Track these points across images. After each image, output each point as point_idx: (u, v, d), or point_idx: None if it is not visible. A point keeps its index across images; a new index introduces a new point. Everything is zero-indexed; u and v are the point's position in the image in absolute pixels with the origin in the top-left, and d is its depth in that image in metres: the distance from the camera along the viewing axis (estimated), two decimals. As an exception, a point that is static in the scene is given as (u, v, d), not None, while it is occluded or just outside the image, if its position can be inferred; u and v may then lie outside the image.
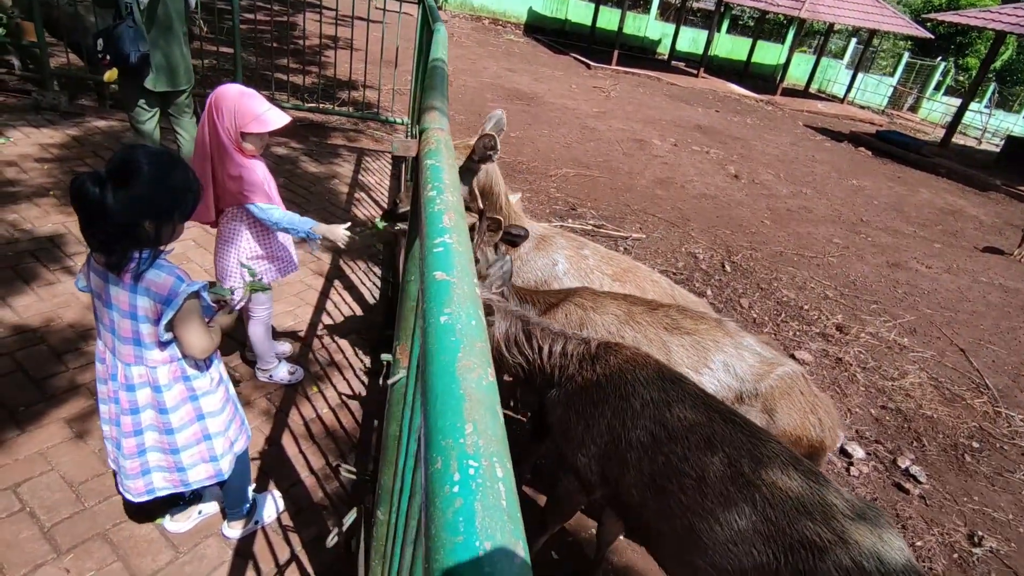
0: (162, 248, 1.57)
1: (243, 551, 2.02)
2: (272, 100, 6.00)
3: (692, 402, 1.64)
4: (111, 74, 3.40)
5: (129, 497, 1.82)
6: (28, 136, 4.40)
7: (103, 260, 1.52)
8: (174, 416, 1.70)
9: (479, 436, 0.38)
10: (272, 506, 2.14)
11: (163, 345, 1.63)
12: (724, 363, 1.95)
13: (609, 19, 18.69)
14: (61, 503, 2.04)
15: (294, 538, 2.10)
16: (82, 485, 2.11)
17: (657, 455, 1.59)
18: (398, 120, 5.96)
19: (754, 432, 1.55)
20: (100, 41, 3.27)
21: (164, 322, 1.54)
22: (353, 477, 1.44)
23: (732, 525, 1.44)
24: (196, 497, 2.07)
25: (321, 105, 6.23)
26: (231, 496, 1.99)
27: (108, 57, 3.29)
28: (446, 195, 0.75)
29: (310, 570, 2.00)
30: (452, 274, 0.58)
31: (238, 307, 1.82)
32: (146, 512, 2.05)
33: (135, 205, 1.43)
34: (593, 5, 18.33)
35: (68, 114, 4.88)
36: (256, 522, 2.08)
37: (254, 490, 2.14)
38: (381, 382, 2.95)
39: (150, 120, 3.78)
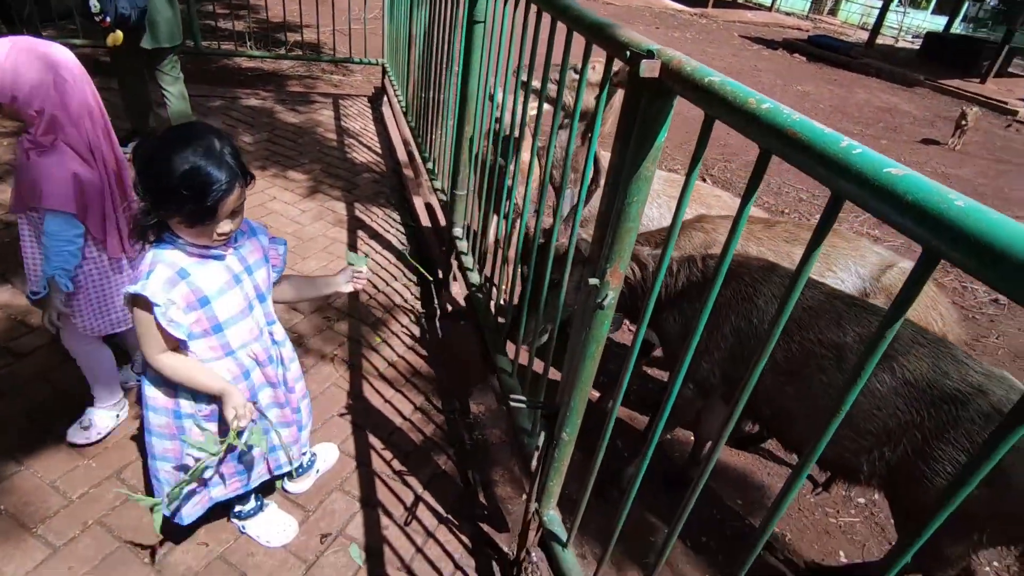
0: (174, 235, 1.35)
1: (368, 500, 2.05)
2: (216, 52, 5.58)
3: (812, 292, 1.76)
4: (116, 37, 3.09)
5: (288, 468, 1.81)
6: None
7: None
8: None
9: None
10: (332, 453, 2.15)
11: None
12: (847, 266, 2.08)
13: (534, -62, 17.91)
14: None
15: (413, 482, 2.15)
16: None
17: (790, 344, 1.71)
18: (374, 61, 5.65)
19: (877, 311, 1.70)
20: (95, 2, 2.96)
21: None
22: (523, 407, 1.49)
23: (875, 393, 1.60)
24: (313, 458, 2.07)
25: (302, 52, 5.83)
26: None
27: (108, 19, 2.99)
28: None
29: (439, 508, 2.07)
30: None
31: None
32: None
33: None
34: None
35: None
36: (317, 471, 2.08)
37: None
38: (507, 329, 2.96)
39: (179, 81, 3.67)
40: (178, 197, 1.25)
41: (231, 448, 1.52)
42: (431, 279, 2.55)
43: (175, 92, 3.62)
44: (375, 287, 3.11)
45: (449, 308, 2.98)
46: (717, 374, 1.96)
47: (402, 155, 4.35)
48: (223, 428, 1.54)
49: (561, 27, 1.50)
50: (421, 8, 3.46)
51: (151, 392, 1.50)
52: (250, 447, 1.60)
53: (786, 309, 0.82)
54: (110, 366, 2.07)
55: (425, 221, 3.52)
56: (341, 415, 2.36)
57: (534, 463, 1.51)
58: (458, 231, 2.81)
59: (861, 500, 2.73)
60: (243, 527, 1.85)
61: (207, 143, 1.28)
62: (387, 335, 2.81)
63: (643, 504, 2.38)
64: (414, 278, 3.27)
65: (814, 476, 2.73)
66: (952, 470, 1.54)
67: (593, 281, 1.20)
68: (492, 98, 2.33)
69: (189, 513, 1.62)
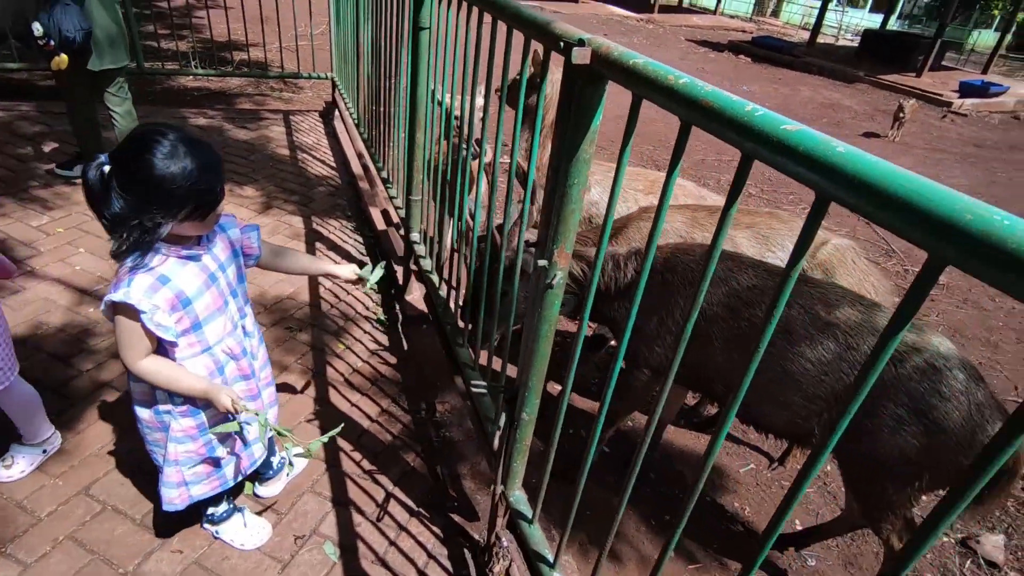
0: (156, 242, 1.33)
1: (340, 500, 2.07)
2: (160, 72, 5.51)
3: (753, 271, 1.86)
4: (61, 61, 3.05)
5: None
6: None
7: None
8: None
9: None
10: (301, 461, 2.16)
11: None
12: (784, 245, 2.21)
13: (481, -49, 18.16)
14: (142, 495, 1.99)
15: (383, 480, 2.17)
16: (155, 478, 2.06)
17: (739, 321, 1.80)
18: (323, 75, 5.66)
19: (816, 283, 1.81)
20: (37, 25, 2.93)
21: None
22: (484, 392, 1.54)
23: (821, 359, 1.70)
24: (283, 462, 2.08)
25: (249, 70, 5.80)
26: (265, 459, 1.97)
27: (52, 42, 2.96)
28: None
29: (410, 503, 2.10)
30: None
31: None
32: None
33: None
34: (463, -63, 17.73)
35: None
36: (287, 474, 2.09)
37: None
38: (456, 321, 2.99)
39: (127, 101, 3.64)
40: (197, 191, 1.30)
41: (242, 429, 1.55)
42: (391, 290, 2.72)
43: (122, 112, 3.59)
44: (336, 296, 3.12)
45: (411, 312, 3.02)
46: (671, 356, 2.04)
47: (357, 168, 4.37)
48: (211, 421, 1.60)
49: (502, 26, 1.57)
50: (367, 20, 3.51)
51: (134, 388, 1.55)
52: (255, 420, 1.56)
53: (707, 273, 0.89)
54: (36, 403, 1.99)
55: (383, 229, 3.56)
56: (309, 421, 2.37)
57: (496, 442, 1.56)
58: (415, 236, 2.86)
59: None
60: (216, 532, 1.85)
61: (183, 135, 1.31)
62: (351, 342, 2.83)
63: (609, 490, 2.45)
64: (376, 286, 3.29)
65: (770, 452, 2.85)
66: (894, 423, 1.65)
67: (542, 263, 1.27)
68: (441, 103, 2.39)
69: (171, 502, 1.64)
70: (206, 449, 1.62)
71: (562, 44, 1.12)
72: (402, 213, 3.01)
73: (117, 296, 1.32)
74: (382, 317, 2.84)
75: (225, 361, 1.57)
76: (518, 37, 1.52)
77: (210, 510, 1.81)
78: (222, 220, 1.58)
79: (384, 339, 2.91)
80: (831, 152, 0.63)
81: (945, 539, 2.65)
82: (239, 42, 6.88)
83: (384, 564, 1.87)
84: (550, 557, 1.51)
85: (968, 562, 2.53)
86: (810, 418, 1.79)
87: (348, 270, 1.89)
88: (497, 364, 1.91)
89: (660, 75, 0.89)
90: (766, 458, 2.83)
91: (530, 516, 1.60)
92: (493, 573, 1.74)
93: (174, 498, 1.64)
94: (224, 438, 1.64)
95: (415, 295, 3.05)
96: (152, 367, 1.42)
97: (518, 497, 1.68)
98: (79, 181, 3.83)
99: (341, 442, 2.29)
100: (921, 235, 0.55)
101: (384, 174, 3.45)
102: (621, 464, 2.61)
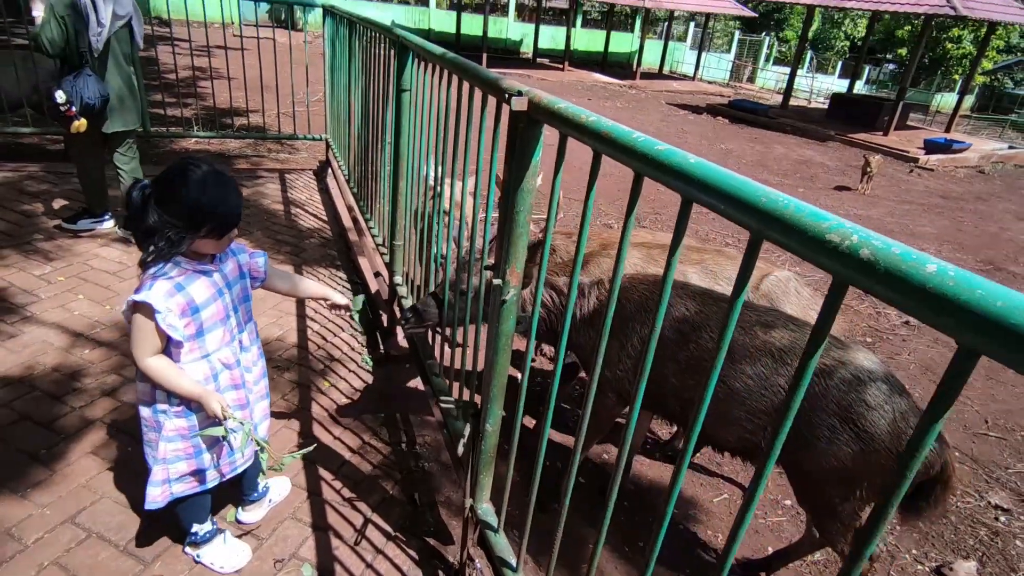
0: (178, 253, 1.56)
1: (319, 525, 2.16)
2: (164, 135, 5.83)
3: (700, 298, 2.04)
4: (81, 125, 3.37)
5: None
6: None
7: None
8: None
9: None
10: (285, 485, 2.27)
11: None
12: (729, 278, 2.40)
13: (471, 25, 19.25)
14: (126, 523, 2.07)
15: (362, 506, 2.26)
16: (140, 505, 2.14)
17: (688, 344, 1.96)
18: (317, 136, 5.98)
19: (754, 307, 1.98)
20: (60, 93, 3.25)
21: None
22: (452, 407, 1.67)
23: (761, 376, 1.85)
24: (267, 489, 2.18)
25: (242, 131, 6.13)
26: (247, 482, 2.08)
27: (73, 108, 3.28)
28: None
29: (387, 528, 2.19)
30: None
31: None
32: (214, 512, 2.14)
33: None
34: (455, 12, 18.80)
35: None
36: (270, 501, 2.19)
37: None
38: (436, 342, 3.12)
39: (134, 160, 3.94)
40: (218, 214, 1.54)
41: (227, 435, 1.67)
42: (375, 329, 2.90)
43: (129, 171, 3.85)
44: (323, 338, 3.27)
45: (395, 353, 3.16)
46: (631, 380, 2.19)
47: (347, 221, 4.60)
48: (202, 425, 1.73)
49: (466, 85, 1.81)
50: (358, 84, 3.81)
51: (139, 387, 1.70)
52: (240, 429, 1.69)
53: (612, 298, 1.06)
54: None
55: (370, 277, 3.74)
56: (292, 453, 2.47)
57: (460, 450, 1.69)
58: (398, 279, 3.03)
59: (788, 502, 2.94)
60: (198, 556, 1.93)
61: (213, 169, 1.58)
62: (336, 380, 2.96)
63: (583, 517, 2.54)
64: (361, 328, 3.44)
65: (742, 483, 2.95)
66: (829, 433, 1.79)
67: (497, 281, 1.44)
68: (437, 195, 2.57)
69: (153, 500, 1.73)
70: (193, 450, 1.74)
71: (505, 95, 1.34)
72: (386, 258, 3.20)
73: (139, 296, 1.52)
74: (367, 358, 2.99)
75: (220, 369, 1.73)
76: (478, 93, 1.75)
77: (194, 528, 1.90)
78: (234, 246, 1.80)
79: (368, 378, 3.04)
80: (686, 162, 0.82)
81: (920, 567, 2.72)
82: (240, 108, 7.27)
83: (360, 583, 1.94)
84: (514, 563, 1.61)
85: (938, 588, 2.59)
86: (756, 432, 1.92)
87: (342, 299, 2.12)
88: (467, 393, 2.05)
89: (575, 115, 1.09)
90: (738, 488, 2.92)
91: (496, 526, 1.71)
92: (464, 590, 1.82)
93: (156, 496, 1.74)
94: (211, 443, 1.77)
95: (399, 336, 3.20)
96: (157, 364, 1.59)
97: (485, 509, 1.78)
98: (84, 234, 4.06)
99: (322, 471, 2.39)
100: (741, 217, 0.73)
101: (371, 223, 3.66)
102: (596, 492, 2.70)
